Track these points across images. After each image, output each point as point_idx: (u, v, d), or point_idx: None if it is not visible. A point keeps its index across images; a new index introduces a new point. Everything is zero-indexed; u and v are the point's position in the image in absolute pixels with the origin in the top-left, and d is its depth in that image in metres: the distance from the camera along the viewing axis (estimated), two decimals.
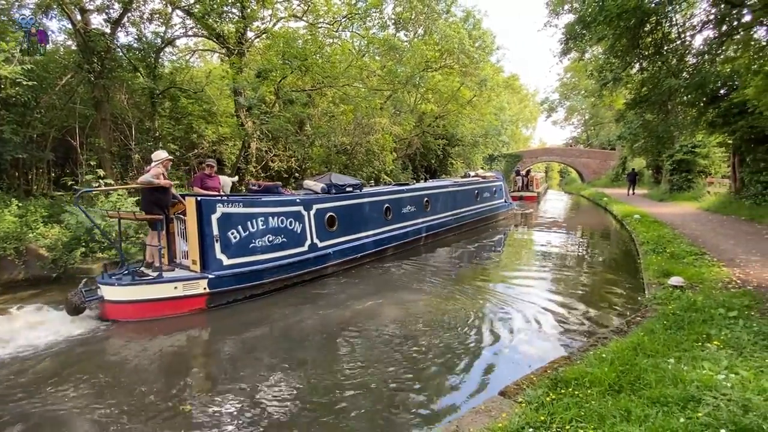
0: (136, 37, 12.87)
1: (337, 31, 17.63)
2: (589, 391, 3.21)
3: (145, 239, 7.40)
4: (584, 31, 9.93)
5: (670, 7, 8.73)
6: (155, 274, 6.53)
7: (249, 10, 14.03)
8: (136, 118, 12.62)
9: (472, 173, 19.42)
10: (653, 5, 8.52)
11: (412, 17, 23.39)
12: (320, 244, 8.75)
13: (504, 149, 43.45)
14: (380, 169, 20.55)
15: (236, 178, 12.11)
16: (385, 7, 21.38)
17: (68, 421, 3.81)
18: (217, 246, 6.90)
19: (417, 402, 4.08)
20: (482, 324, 6.00)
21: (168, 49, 14.28)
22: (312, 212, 8.68)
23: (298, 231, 8.31)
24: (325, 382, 4.42)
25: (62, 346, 5.33)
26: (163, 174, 6.76)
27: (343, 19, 17.55)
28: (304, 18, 16.50)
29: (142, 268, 6.70)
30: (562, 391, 3.26)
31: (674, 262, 7.59)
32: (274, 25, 15.96)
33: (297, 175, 17.21)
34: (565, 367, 3.72)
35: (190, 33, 14.35)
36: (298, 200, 8.53)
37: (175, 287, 6.48)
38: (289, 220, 8.13)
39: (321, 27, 16.82)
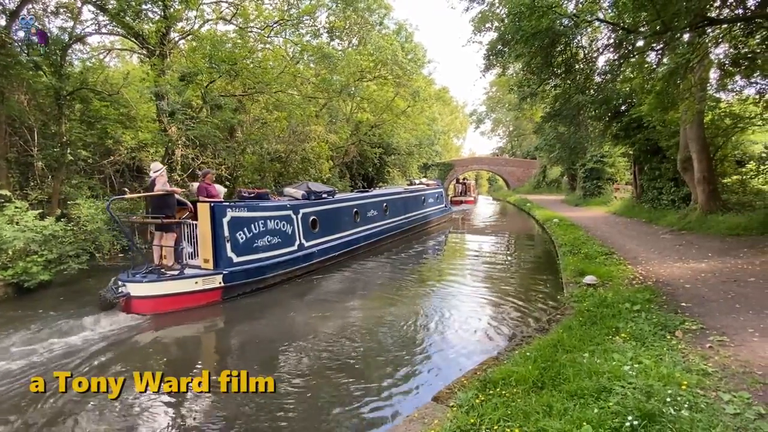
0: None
1: (268, 37, 17.19)
2: (515, 390, 3.37)
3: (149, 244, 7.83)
4: (505, 49, 10.65)
5: (577, 30, 9.64)
6: (176, 271, 7.18)
7: (172, 10, 13.20)
8: (39, 121, 11.26)
9: (417, 181, 21.21)
10: (562, 27, 9.37)
11: (346, 27, 23.54)
12: (306, 244, 9.80)
13: (437, 158, 45.15)
14: (316, 177, 20.26)
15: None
16: (319, 15, 21.30)
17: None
18: (228, 245, 7.73)
19: (354, 413, 4.03)
20: (420, 329, 6.12)
21: (78, 47, 12.95)
22: (299, 216, 9.75)
23: (289, 232, 9.34)
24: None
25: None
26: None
27: (275, 25, 17.16)
28: (233, 21, 15.90)
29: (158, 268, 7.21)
30: (491, 391, 3.39)
31: (588, 261, 8.31)
32: (201, 27, 15.19)
33: (228, 183, 16.39)
34: (493, 368, 3.88)
35: (104, 30, 13.15)
36: (288, 205, 9.59)
37: (196, 282, 7.21)
38: (282, 223, 9.15)
39: (252, 32, 16.30)
